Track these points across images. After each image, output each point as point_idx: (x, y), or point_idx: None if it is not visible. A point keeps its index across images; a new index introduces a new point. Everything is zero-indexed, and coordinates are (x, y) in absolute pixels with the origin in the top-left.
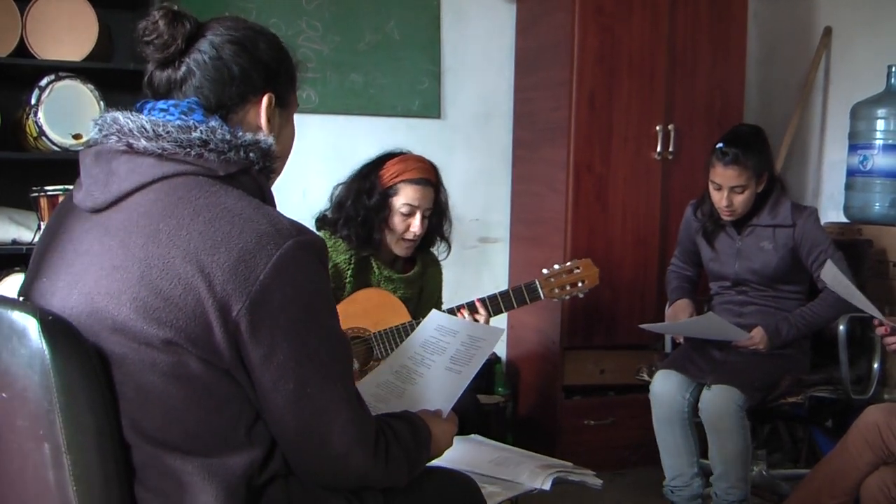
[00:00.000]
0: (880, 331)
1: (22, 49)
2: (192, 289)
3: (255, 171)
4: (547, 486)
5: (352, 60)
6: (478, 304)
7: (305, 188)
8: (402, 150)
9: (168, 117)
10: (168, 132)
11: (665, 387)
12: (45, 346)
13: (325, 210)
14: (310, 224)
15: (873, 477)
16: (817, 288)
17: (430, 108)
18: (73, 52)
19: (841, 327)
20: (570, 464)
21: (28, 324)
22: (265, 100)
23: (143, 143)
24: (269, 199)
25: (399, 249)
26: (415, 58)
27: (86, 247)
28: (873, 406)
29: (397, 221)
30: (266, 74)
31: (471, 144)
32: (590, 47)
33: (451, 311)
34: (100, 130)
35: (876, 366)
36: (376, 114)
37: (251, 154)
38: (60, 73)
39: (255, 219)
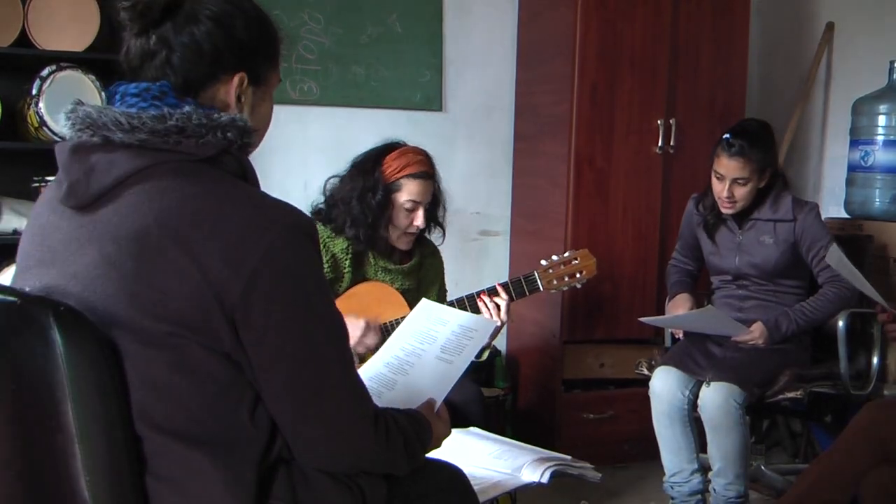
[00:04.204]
0: (882, 317)
1: (23, 39)
2: (188, 278)
3: (235, 150)
4: (545, 480)
5: (354, 53)
6: (499, 288)
7: (307, 180)
8: (398, 142)
9: (141, 104)
10: (144, 123)
11: (664, 384)
12: (58, 336)
13: (320, 203)
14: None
15: (873, 474)
16: (817, 283)
17: (432, 100)
18: (75, 43)
19: (840, 323)
20: (568, 457)
21: (41, 315)
22: (236, 80)
23: (119, 135)
24: (250, 176)
25: (401, 243)
26: (417, 50)
27: (76, 246)
28: (872, 402)
29: (401, 217)
30: (240, 54)
31: (472, 137)
32: (592, 41)
33: (471, 298)
34: (73, 125)
35: (875, 361)
36: (378, 106)
37: (229, 134)
38: (62, 64)
39: (243, 203)
